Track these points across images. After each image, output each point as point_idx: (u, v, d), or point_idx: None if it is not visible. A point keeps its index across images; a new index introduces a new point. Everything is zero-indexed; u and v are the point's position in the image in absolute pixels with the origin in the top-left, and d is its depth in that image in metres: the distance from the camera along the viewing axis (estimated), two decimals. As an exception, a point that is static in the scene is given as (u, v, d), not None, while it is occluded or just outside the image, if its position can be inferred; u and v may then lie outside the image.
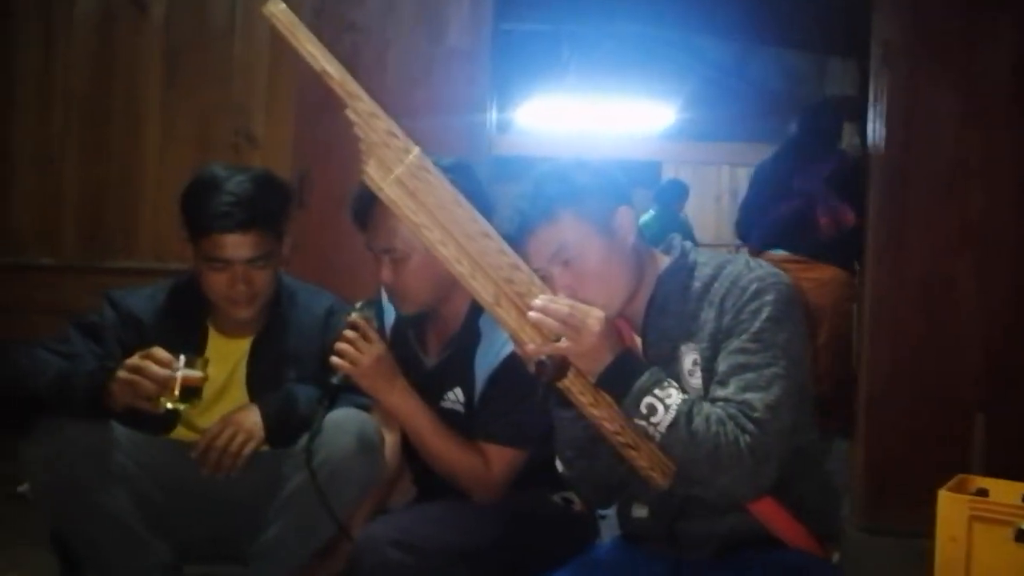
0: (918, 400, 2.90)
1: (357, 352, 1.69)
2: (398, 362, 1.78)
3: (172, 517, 1.87)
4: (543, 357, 1.38)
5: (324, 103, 3.14)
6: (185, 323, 1.93)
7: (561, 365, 1.38)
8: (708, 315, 1.45)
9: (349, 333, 1.71)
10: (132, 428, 1.85)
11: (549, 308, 1.37)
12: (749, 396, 1.37)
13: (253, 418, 1.84)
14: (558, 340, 1.36)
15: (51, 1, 3.40)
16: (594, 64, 6.95)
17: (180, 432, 1.93)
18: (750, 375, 1.38)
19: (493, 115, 3.28)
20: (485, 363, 1.79)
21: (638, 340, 1.52)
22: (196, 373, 1.73)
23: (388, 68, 3.28)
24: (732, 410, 1.36)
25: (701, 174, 8.83)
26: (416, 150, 1.42)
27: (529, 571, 1.64)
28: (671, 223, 6.57)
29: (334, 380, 1.70)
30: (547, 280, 1.44)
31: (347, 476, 1.76)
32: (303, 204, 3.24)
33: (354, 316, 1.73)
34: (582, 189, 1.47)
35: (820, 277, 3.64)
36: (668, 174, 8.53)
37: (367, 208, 1.77)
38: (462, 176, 1.69)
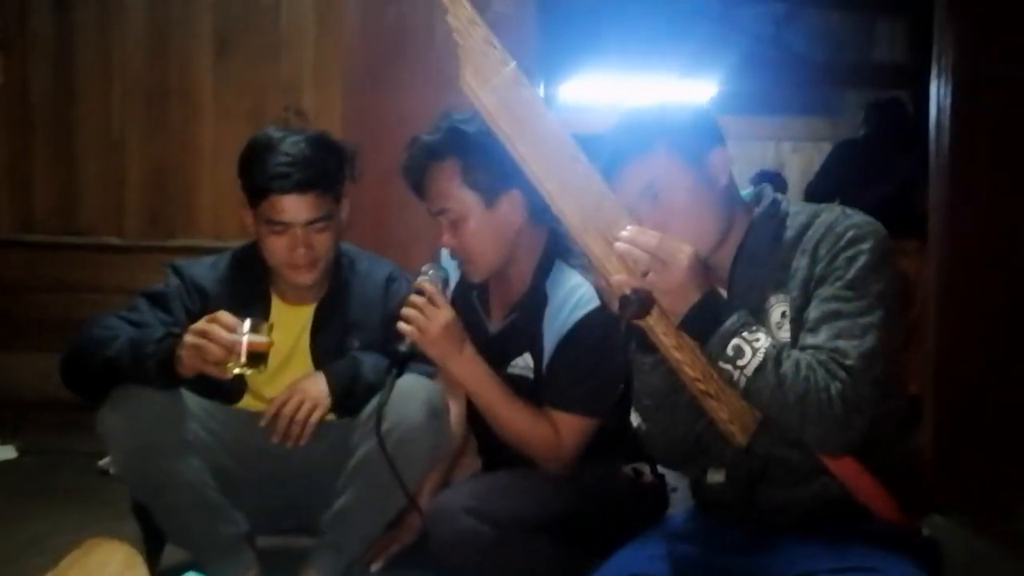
0: (988, 373, 2.76)
1: (425, 318, 1.65)
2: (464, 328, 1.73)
3: (244, 487, 1.87)
4: (627, 291, 1.32)
5: (372, 77, 3.19)
6: (248, 291, 1.92)
7: (646, 301, 1.32)
8: (800, 263, 1.38)
9: (416, 298, 1.66)
10: (202, 397, 1.85)
11: (638, 239, 1.32)
12: (842, 344, 1.30)
13: (319, 386, 1.82)
14: (645, 275, 1.31)
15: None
16: (634, 40, 6.86)
17: (248, 402, 1.93)
18: (843, 323, 1.31)
19: (540, 90, 3.23)
20: (554, 328, 1.74)
21: (724, 293, 1.45)
22: (262, 338, 1.71)
23: (436, 35, 3.25)
24: (823, 357, 1.30)
25: (745, 149, 8.70)
26: (513, 63, 1.37)
27: (599, 542, 1.60)
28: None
29: (402, 348, 1.67)
30: (636, 218, 1.39)
31: (415, 444, 1.74)
32: (354, 178, 3.23)
33: (421, 280, 1.69)
34: (678, 125, 1.43)
35: (912, 247, 3.54)
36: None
37: (420, 171, 1.73)
38: None
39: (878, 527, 1.39)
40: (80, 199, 3.52)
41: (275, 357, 1.88)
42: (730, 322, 1.32)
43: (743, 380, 1.31)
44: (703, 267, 1.36)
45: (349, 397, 1.83)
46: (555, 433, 1.71)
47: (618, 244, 1.33)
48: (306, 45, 3.51)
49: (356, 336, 1.94)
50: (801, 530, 1.41)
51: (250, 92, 3.51)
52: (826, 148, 6.63)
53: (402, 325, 1.66)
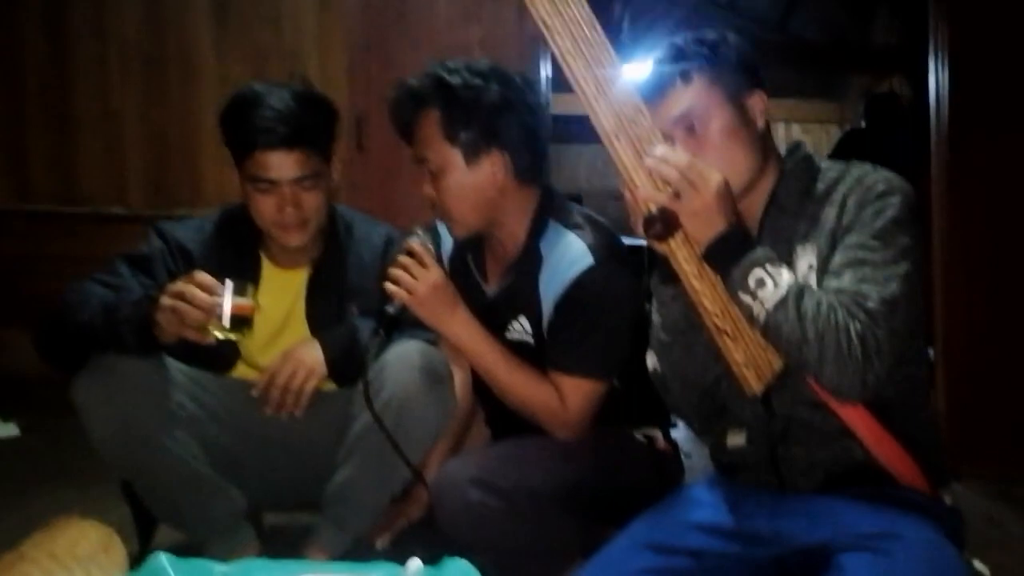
0: (996, 344, 2.78)
1: (413, 279, 1.58)
2: (458, 292, 1.66)
3: (241, 461, 1.80)
4: (652, 209, 1.31)
5: (375, 44, 3.11)
6: (237, 254, 1.83)
7: (670, 222, 1.31)
8: (829, 214, 1.38)
9: (405, 259, 1.61)
10: (191, 366, 1.77)
11: (669, 156, 1.32)
12: (865, 288, 1.28)
13: (314, 353, 1.74)
14: (674, 196, 1.30)
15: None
16: (647, 25, 6.80)
17: (242, 371, 1.84)
18: (868, 269, 1.30)
19: (548, 68, 3.11)
20: (551, 289, 1.66)
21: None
22: (246, 300, 1.63)
23: (438, 4, 3.17)
24: (845, 299, 1.28)
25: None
26: None
27: (614, 512, 1.53)
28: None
29: (390, 309, 1.60)
30: (669, 143, 1.38)
31: (415, 413, 1.66)
32: (360, 147, 3.17)
33: (411, 241, 1.63)
34: (723, 59, 1.42)
35: None
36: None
37: (405, 115, 1.67)
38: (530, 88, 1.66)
39: (901, 493, 1.36)
40: (78, 168, 3.49)
41: (269, 324, 1.81)
42: (755, 253, 1.31)
43: (763, 314, 1.29)
44: (732, 198, 1.34)
45: (346, 364, 1.74)
46: (560, 398, 1.64)
47: (648, 159, 1.33)
48: (309, 12, 3.46)
49: (354, 301, 1.85)
50: (824, 494, 1.37)
51: (252, 60, 3.46)
52: (832, 130, 6.73)
53: (389, 286, 1.60)
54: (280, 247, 1.83)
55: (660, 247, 1.35)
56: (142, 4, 3.45)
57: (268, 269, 1.85)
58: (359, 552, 1.79)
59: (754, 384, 1.35)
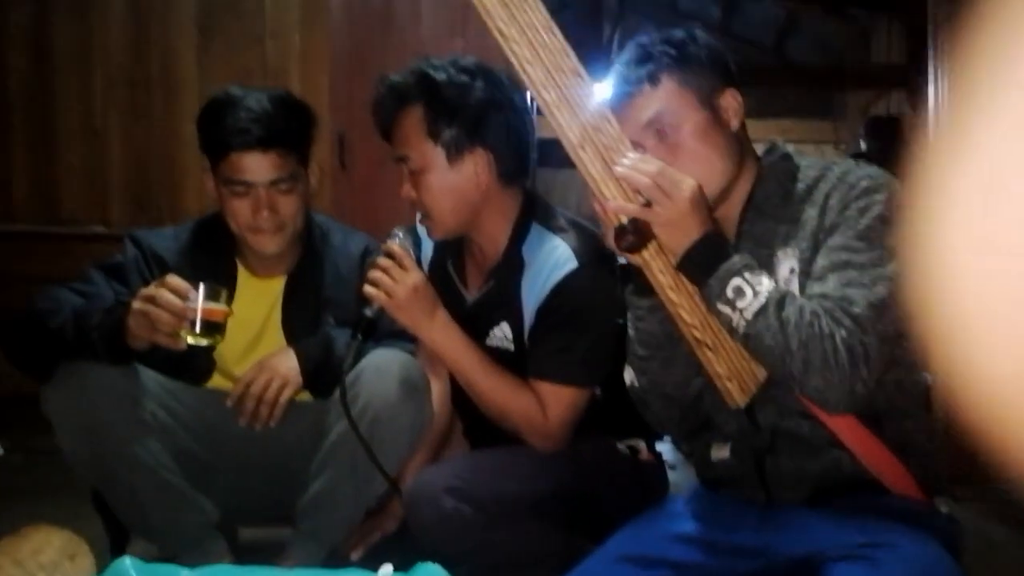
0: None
1: (392, 281, 1.55)
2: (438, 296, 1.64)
3: (215, 472, 1.77)
4: (624, 220, 1.25)
5: (358, 65, 3.11)
6: (213, 263, 1.81)
7: (643, 232, 1.25)
8: (810, 214, 1.31)
9: (383, 261, 1.58)
10: (166, 376, 1.75)
11: (639, 164, 1.26)
12: (850, 292, 1.22)
13: (289, 362, 1.72)
14: (645, 205, 1.25)
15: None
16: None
17: (217, 382, 1.82)
18: (852, 272, 1.23)
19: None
20: (532, 295, 1.63)
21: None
22: (218, 305, 1.61)
23: (422, 18, 3.19)
24: (829, 304, 1.22)
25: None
26: None
27: (595, 523, 1.51)
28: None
29: (368, 312, 1.57)
30: (639, 150, 1.33)
31: (391, 423, 1.63)
32: (343, 165, 3.17)
33: (390, 243, 1.61)
34: (691, 59, 1.36)
35: None
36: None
37: (386, 112, 1.64)
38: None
39: (894, 502, 1.31)
40: (62, 189, 3.46)
41: (245, 333, 1.79)
42: (732, 261, 1.25)
43: (742, 324, 1.23)
44: (707, 205, 1.28)
45: (321, 375, 1.72)
46: (540, 406, 1.60)
47: (617, 168, 1.27)
48: (291, 30, 3.47)
49: (330, 312, 1.83)
50: (813, 506, 1.32)
51: (235, 79, 3.44)
52: (828, 151, 6.71)
53: (368, 288, 1.57)
54: (256, 255, 1.81)
55: (634, 259, 1.30)
56: (127, 24, 3.44)
57: (244, 277, 1.83)
58: (333, 563, 1.75)
59: (738, 397, 1.31)
